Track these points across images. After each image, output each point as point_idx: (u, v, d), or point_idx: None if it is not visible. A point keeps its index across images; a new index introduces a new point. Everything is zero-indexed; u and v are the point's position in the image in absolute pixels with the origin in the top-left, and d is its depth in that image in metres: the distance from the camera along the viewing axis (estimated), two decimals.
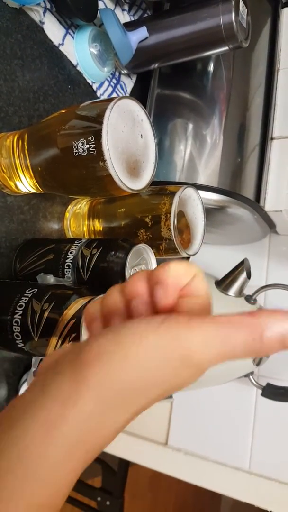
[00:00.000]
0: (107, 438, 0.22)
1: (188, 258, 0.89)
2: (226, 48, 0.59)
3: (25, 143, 0.42)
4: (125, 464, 1.01)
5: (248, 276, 0.66)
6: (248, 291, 0.70)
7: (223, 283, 0.66)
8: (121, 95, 0.66)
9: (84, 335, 0.33)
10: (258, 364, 0.65)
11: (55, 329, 0.34)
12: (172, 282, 0.24)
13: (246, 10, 0.58)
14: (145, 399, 0.22)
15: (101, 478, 1.03)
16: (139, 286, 0.25)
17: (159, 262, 0.48)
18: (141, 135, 0.39)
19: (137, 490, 1.51)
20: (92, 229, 0.54)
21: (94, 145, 0.35)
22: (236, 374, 0.68)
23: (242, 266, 0.66)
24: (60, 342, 0.33)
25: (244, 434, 0.80)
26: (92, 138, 0.35)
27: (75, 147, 0.36)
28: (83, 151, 0.36)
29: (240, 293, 0.67)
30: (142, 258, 0.44)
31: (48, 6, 0.50)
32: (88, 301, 0.34)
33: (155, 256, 0.48)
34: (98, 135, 0.35)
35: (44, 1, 0.49)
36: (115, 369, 0.21)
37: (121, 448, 0.87)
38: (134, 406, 0.22)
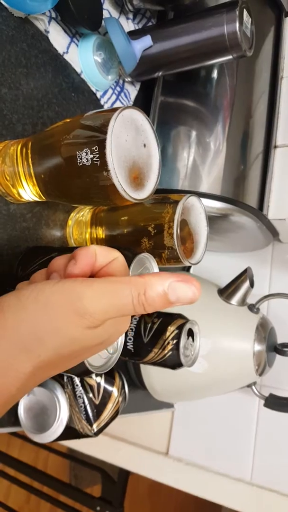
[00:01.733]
0: (11, 385, 0.25)
1: (190, 267, 0.89)
2: (230, 57, 0.59)
3: (29, 151, 0.42)
4: (125, 473, 1.00)
5: (251, 285, 0.65)
6: (250, 299, 0.70)
7: (226, 292, 0.66)
8: (125, 102, 0.66)
9: None
10: (261, 374, 0.64)
11: None
12: (84, 257, 0.28)
13: (250, 19, 0.58)
14: (46, 348, 0.25)
15: (101, 487, 1.02)
16: (58, 261, 0.30)
17: (161, 271, 0.48)
18: (145, 145, 0.39)
19: (136, 498, 1.50)
20: (95, 236, 0.54)
21: (98, 155, 0.35)
22: (238, 384, 0.68)
23: (245, 275, 0.66)
24: None
25: (246, 445, 0.80)
26: (96, 148, 0.35)
27: (78, 156, 0.36)
28: (87, 161, 0.35)
29: (243, 302, 0.66)
30: (145, 267, 0.44)
31: (53, 15, 0.50)
32: None
33: (158, 264, 0.48)
34: (102, 145, 0.34)
35: (49, 10, 0.49)
36: (14, 319, 0.25)
37: (121, 457, 0.87)
38: (36, 354, 0.25)
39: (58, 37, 0.52)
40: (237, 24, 0.54)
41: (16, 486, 1.13)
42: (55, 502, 1.07)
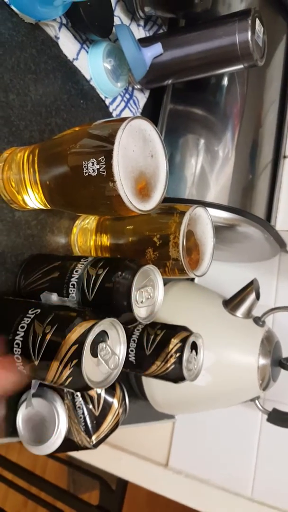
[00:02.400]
0: None
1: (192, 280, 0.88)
2: (241, 66, 0.58)
3: (36, 158, 0.41)
4: (123, 482, 0.99)
5: (257, 297, 0.64)
6: (256, 311, 0.69)
7: (231, 304, 0.65)
8: (133, 110, 0.66)
9: (86, 361, 0.32)
10: (265, 389, 0.63)
11: (57, 353, 0.33)
12: None
13: (262, 28, 0.58)
14: None
15: (99, 496, 1.01)
16: None
17: (166, 282, 0.47)
18: (152, 155, 0.38)
19: (135, 508, 1.48)
20: (99, 244, 0.53)
21: (104, 166, 0.34)
22: (241, 398, 0.67)
23: (251, 287, 0.65)
24: (61, 367, 0.32)
25: (247, 459, 0.78)
26: (102, 159, 0.34)
27: (85, 167, 0.35)
28: (93, 171, 0.35)
29: (248, 314, 0.65)
30: (149, 279, 0.43)
31: (64, 21, 0.50)
32: (92, 325, 0.33)
33: (162, 276, 0.47)
34: (109, 155, 0.34)
35: (60, 17, 0.49)
36: None
37: (120, 467, 0.86)
38: None
39: (68, 44, 0.51)
40: (249, 33, 0.54)
41: (13, 491, 1.12)
42: (52, 509, 1.06)
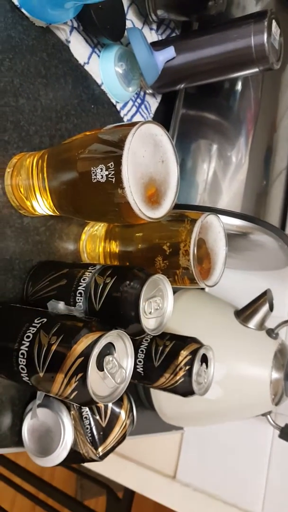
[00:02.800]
0: None
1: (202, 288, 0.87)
2: (256, 69, 0.57)
3: (45, 164, 0.40)
4: (130, 492, 0.97)
5: (271, 308, 0.62)
6: (269, 323, 0.67)
7: (243, 314, 0.63)
8: (145, 115, 0.65)
9: (92, 375, 0.31)
10: (277, 404, 0.61)
11: (62, 365, 0.32)
12: None
13: (279, 30, 0.56)
14: None
15: (105, 504, 1.00)
16: None
17: (175, 291, 0.46)
18: (163, 161, 0.37)
19: None
20: (108, 251, 0.52)
21: (113, 172, 0.33)
22: (253, 413, 0.65)
23: (264, 297, 0.63)
24: (66, 380, 0.31)
25: (258, 475, 0.76)
26: (111, 165, 0.33)
27: (93, 173, 0.34)
28: (102, 177, 0.34)
29: (261, 326, 0.63)
30: (158, 289, 0.41)
31: (75, 24, 0.49)
32: (99, 337, 0.32)
33: (172, 285, 0.45)
34: (118, 161, 0.33)
35: (71, 20, 0.48)
36: None
37: (127, 477, 0.84)
38: None
39: (79, 47, 0.51)
40: (265, 36, 0.52)
41: (21, 495, 1.11)
42: None
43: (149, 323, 0.40)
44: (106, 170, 0.33)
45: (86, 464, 0.96)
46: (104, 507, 1.02)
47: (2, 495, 1.49)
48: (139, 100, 0.63)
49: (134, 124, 0.34)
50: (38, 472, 1.38)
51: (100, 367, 0.32)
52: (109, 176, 0.33)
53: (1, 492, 1.45)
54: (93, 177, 0.34)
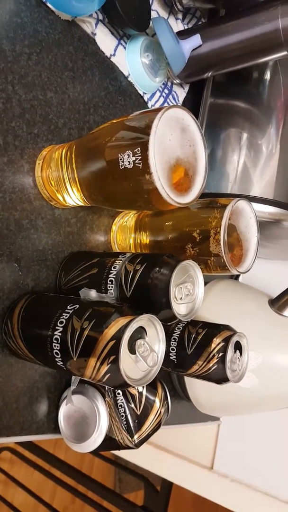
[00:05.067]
0: None
1: (238, 275, 0.85)
2: (285, 53, 0.55)
3: (73, 155, 0.41)
4: (168, 483, 0.98)
5: None
6: None
7: (278, 303, 0.62)
8: None
9: (124, 357, 0.31)
10: None
11: (94, 349, 0.32)
12: None
13: None
14: None
15: (143, 496, 1.00)
16: None
17: (208, 280, 0.46)
18: (190, 145, 0.37)
19: (180, 509, 1.46)
20: (138, 242, 0.53)
21: (140, 157, 0.33)
22: None
23: None
24: (98, 364, 0.32)
25: None
26: (138, 150, 0.33)
27: (120, 159, 0.34)
28: (129, 164, 0.34)
29: None
30: (189, 275, 0.41)
31: (101, 17, 0.50)
32: (130, 321, 0.32)
33: (204, 272, 0.45)
34: (144, 146, 0.33)
35: (96, 12, 0.49)
36: None
37: (165, 468, 0.84)
38: None
39: (105, 40, 0.51)
40: None
41: (61, 488, 1.14)
42: (98, 507, 1.07)
43: (180, 309, 0.40)
44: (133, 156, 0.34)
45: (124, 456, 0.97)
46: (142, 501, 1.03)
47: (42, 488, 1.53)
48: (166, 91, 0.63)
49: (160, 109, 0.34)
50: (77, 465, 1.41)
51: (132, 350, 0.33)
52: (136, 162, 0.34)
53: (42, 485, 1.49)
54: (120, 164, 0.35)
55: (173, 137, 0.35)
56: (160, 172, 0.33)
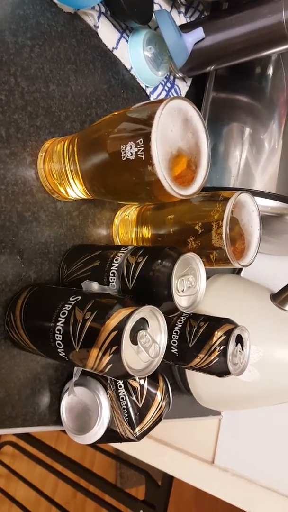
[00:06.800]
0: None
1: (240, 269, 0.85)
2: None
3: (75, 148, 0.41)
4: (169, 478, 0.98)
5: None
6: None
7: (280, 297, 0.62)
8: None
9: (126, 348, 0.32)
10: None
11: (97, 340, 0.32)
12: None
13: None
14: None
15: (144, 490, 1.01)
16: None
17: (207, 273, 0.46)
18: (192, 136, 0.37)
19: (182, 504, 1.47)
20: (140, 236, 0.53)
21: (142, 148, 0.33)
22: None
23: None
24: (100, 354, 0.32)
25: None
26: (140, 141, 0.33)
27: (123, 151, 0.34)
28: (131, 155, 0.34)
29: None
30: (190, 267, 0.41)
31: (103, 10, 0.50)
32: (132, 312, 0.33)
33: (205, 266, 0.45)
34: (147, 138, 0.33)
35: (98, 5, 0.49)
36: None
37: (166, 462, 0.85)
38: None
39: (107, 33, 0.51)
40: None
41: (63, 482, 1.14)
42: (100, 502, 1.07)
43: (182, 301, 0.40)
44: (135, 147, 0.34)
45: (125, 449, 0.98)
46: (143, 496, 1.03)
47: (44, 482, 1.54)
48: (169, 84, 0.63)
49: (163, 100, 0.34)
50: (79, 460, 1.42)
51: (134, 341, 0.33)
52: (139, 153, 0.34)
53: (44, 479, 1.50)
54: (122, 155, 0.35)
55: (175, 128, 0.35)
56: (162, 163, 0.33)
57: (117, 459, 1.21)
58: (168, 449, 0.86)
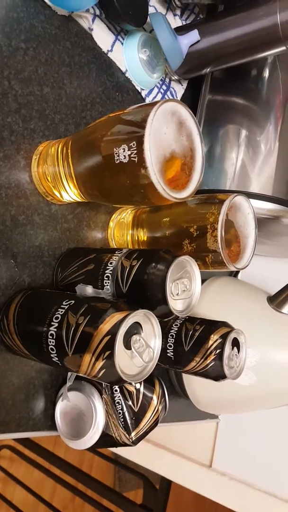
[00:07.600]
0: None
1: (238, 271, 0.85)
2: (284, 48, 0.55)
3: (69, 150, 0.41)
4: (167, 482, 0.97)
5: None
6: None
7: (276, 300, 0.62)
8: None
9: (119, 353, 0.31)
10: None
11: (89, 344, 0.32)
12: None
13: None
14: None
15: (143, 495, 1.00)
16: None
17: (204, 276, 0.46)
18: (186, 138, 0.37)
19: (180, 507, 1.46)
20: (136, 238, 0.52)
21: (135, 151, 0.33)
22: None
23: None
24: (93, 359, 0.32)
25: None
26: (133, 144, 0.33)
27: (116, 153, 0.34)
28: (124, 158, 0.34)
29: None
30: (185, 271, 0.41)
31: (98, 12, 0.50)
32: (125, 316, 0.32)
33: (201, 269, 0.45)
34: (140, 140, 0.33)
35: (93, 8, 0.48)
36: None
37: (163, 466, 0.84)
38: None
39: (102, 35, 0.51)
40: None
41: (61, 486, 1.14)
42: (98, 506, 1.07)
43: (176, 304, 0.40)
44: (128, 150, 0.33)
45: (123, 454, 0.97)
46: (141, 500, 1.02)
47: (42, 486, 1.53)
48: (164, 87, 0.63)
49: (156, 102, 0.34)
50: (77, 464, 1.41)
51: (127, 346, 0.33)
52: (132, 156, 0.33)
53: (42, 483, 1.49)
54: (116, 158, 0.34)
55: (169, 131, 0.35)
56: (155, 166, 0.33)
57: (115, 463, 1.21)
58: (166, 453, 0.85)
